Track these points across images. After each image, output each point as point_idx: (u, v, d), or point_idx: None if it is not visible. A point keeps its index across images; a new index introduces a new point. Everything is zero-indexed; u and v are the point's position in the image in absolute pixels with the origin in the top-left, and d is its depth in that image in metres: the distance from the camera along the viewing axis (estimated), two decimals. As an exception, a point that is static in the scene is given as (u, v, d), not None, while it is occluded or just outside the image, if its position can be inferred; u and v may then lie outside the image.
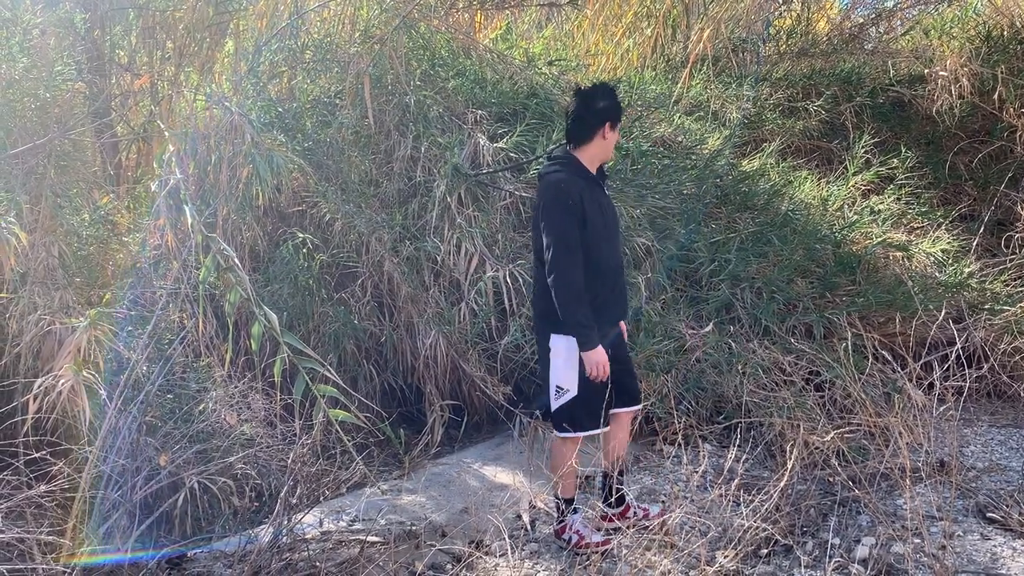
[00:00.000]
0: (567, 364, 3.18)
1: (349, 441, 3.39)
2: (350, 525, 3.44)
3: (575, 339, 3.12)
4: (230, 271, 3.70)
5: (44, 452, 2.70)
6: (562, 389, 3.21)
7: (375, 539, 3.27)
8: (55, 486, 2.61)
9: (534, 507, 3.72)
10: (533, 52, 6.31)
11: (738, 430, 3.78)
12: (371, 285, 4.84)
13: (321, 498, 3.16)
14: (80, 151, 4.73)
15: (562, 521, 3.38)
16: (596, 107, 3.18)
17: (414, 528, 3.45)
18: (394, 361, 4.73)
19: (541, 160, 5.06)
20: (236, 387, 3.92)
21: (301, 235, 4.82)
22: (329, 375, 3.31)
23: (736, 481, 3.22)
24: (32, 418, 2.87)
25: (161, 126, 4.61)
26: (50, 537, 2.37)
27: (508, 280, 4.55)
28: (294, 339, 3.39)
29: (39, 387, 2.95)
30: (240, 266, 3.74)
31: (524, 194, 4.99)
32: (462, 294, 4.67)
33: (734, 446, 3.52)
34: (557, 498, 3.39)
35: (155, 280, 4.49)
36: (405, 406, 4.78)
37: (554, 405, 3.25)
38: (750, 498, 3.08)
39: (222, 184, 4.43)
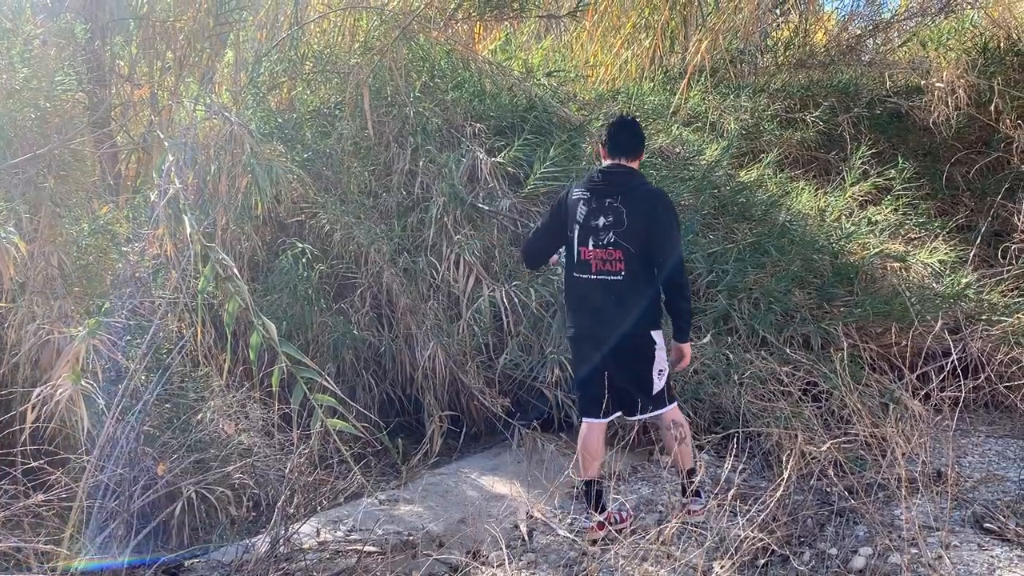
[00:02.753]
0: (664, 353, 3.54)
1: (347, 451, 3.40)
2: (347, 535, 3.44)
3: (681, 332, 3.55)
4: (229, 281, 3.71)
5: (42, 461, 2.71)
6: (663, 372, 3.55)
7: (372, 549, 3.27)
8: (52, 495, 2.62)
9: (531, 517, 3.72)
10: (532, 63, 6.34)
11: (735, 440, 3.78)
12: (370, 296, 4.85)
13: (318, 508, 3.16)
14: (80, 161, 4.73)
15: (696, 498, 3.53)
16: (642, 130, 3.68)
17: (411, 538, 3.45)
18: (393, 371, 4.74)
19: (558, 182, 5.08)
20: (234, 397, 3.93)
21: (300, 245, 4.84)
22: (327, 385, 3.32)
23: (733, 491, 3.22)
24: (30, 427, 2.88)
25: (161, 136, 4.62)
26: (47, 546, 2.37)
27: (505, 300, 4.55)
28: (292, 349, 3.40)
29: (37, 396, 2.96)
30: (239, 276, 3.75)
31: (519, 218, 4.99)
32: (460, 312, 4.68)
33: (731, 456, 3.52)
34: (690, 474, 3.55)
35: (154, 289, 4.51)
36: (403, 416, 4.78)
37: (658, 387, 3.53)
38: (747, 508, 3.09)
39: (221, 194, 4.44)
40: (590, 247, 3.42)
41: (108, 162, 5.34)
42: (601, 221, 3.41)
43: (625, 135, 3.55)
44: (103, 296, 4.12)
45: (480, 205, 4.95)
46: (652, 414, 3.59)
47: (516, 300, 4.57)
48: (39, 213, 3.81)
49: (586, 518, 3.52)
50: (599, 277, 3.42)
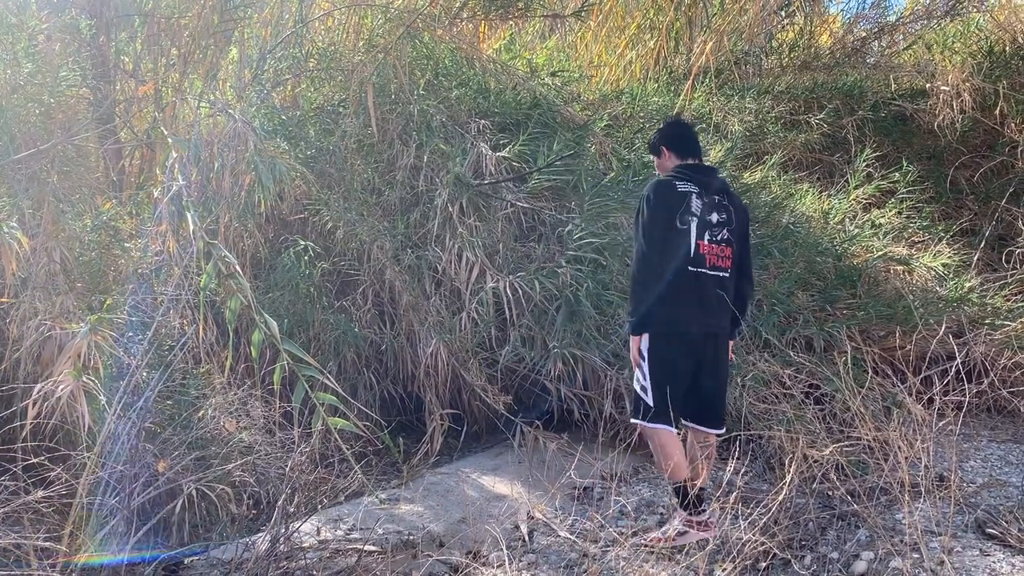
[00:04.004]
0: None
1: (348, 449, 3.39)
2: (347, 534, 3.43)
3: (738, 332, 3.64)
4: (231, 278, 3.70)
5: (43, 457, 2.70)
6: None
7: (373, 548, 3.26)
8: (53, 492, 2.61)
9: (532, 518, 3.72)
10: (536, 63, 6.33)
11: (737, 443, 3.77)
12: (372, 293, 4.84)
13: (319, 506, 3.15)
14: (84, 157, 4.74)
15: None
16: None
17: (412, 538, 3.44)
18: (394, 369, 4.73)
19: (543, 169, 5.08)
20: (235, 394, 3.92)
21: (303, 242, 4.83)
22: (328, 383, 3.31)
23: (735, 494, 3.21)
24: (31, 423, 2.88)
25: (165, 132, 4.62)
26: (47, 543, 2.37)
27: (508, 291, 4.55)
28: (294, 346, 3.40)
29: (39, 392, 2.95)
30: (241, 273, 3.74)
31: (525, 204, 5.00)
32: (463, 303, 4.67)
33: (733, 459, 3.51)
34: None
35: (156, 286, 4.50)
36: (405, 415, 4.78)
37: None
38: (748, 511, 3.08)
39: (224, 191, 4.44)
40: (706, 241, 3.45)
41: (112, 158, 5.33)
42: (715, 217, 3.48)
43: (693, 135, 3.72)
44: (105, 292, 4.12)
45: (483, 188, 4.93)
46: (723, 430, 3.60)
47: (520, 291, 4.56)
48: (42, 209, 3.80)
49: (679, 523, 3.40)
50: (713, 272, 3.45)
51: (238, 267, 3.79)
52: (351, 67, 5.35)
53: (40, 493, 2.51)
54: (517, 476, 4.10)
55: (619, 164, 5.50)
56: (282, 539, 2.93)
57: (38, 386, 2.98)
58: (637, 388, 3.44)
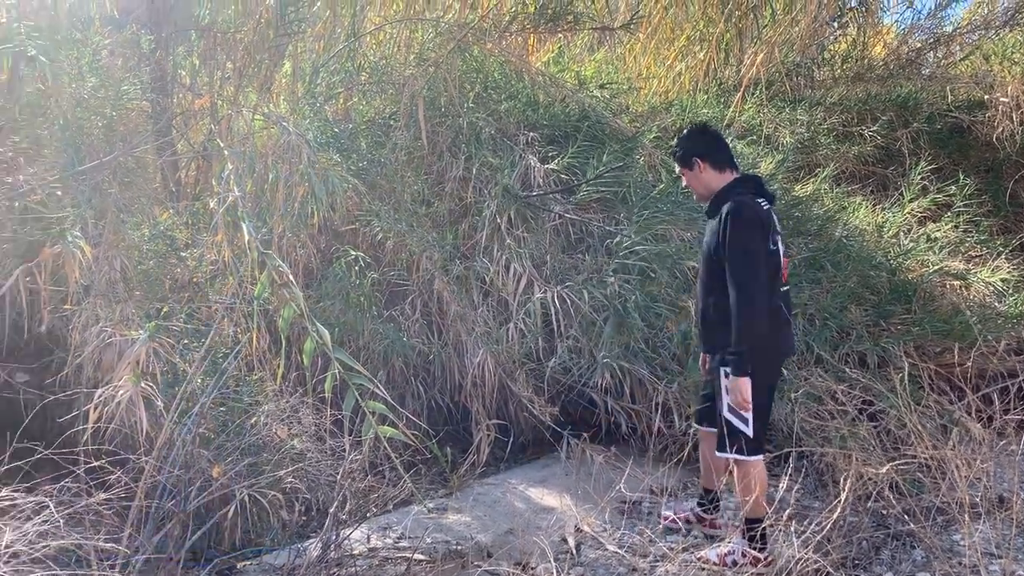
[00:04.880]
0: None
1: (397, 458, 3.42)
2: (396, 542, 3.45)
3: None
4: (285, 287, 3.76)
5: (103, 461, 2.76)
6: None
7: (421, 557, 3.27)
8: (113, 494, 2.67)
9: (580, 531, 3.70)
10: (585, 75, 6.34)
11: (789, 459, 3.72)
12: (420, 303, 4.88)
13: (369, 514, 3.17)
14: (142, 168, 4.86)
15: None
16: None
17: (460, 548, 3.45)
18: (442, 379, 4.75)
19: (592, 181, 5.08)
20: (287, 401, 3.98)
21: (353, 253, 4.89)
22: (378, 392, 3.34)
23: (787, 511, 3.16)
24: (92, 427, 2.95)
25: (221, 145, 4.73)
26: (108, 544, 2.42)
27: (556, 301, 4.55)
28: (345, 355, 3.43)
29: (99, 397, 3.03)
30: (294, 283, 3.81)
31: (573, 216, 5.00)
32: (510, 314, 4.69)
33: (785, 475, 3.47)
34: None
35: (211, 295, 4.60)
36: (452, 424, 4.79)
37: None
38: (801, 529, 3.03)
39: (278, 202, 4.51)
40: (785, 257, 3.41)
41: (169, 169, 5.47)
42: (780, 230, 3.44)
43: (725, 142, 3.59)
44: (162, 300, 4.22)
45: (531, 199, 4.94)
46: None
47: (568, 302, 4.56)
48: (104, 219, 3.91)
49: (743, 553, 3.32)
50: (787, 288, 3.41)
51: (291, 277, 3.86)
52: (402, 80, 5.42)
53: (101, 496, 2.57)
54: (565, 488, 4.09)
55: (668, 176, 5.48)
56: (333, 546, 2.97)
57: (99, 391, 3.06)
58: (734, 420, 3.25)
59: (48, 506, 2.29)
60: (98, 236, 3.83)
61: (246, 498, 3.32)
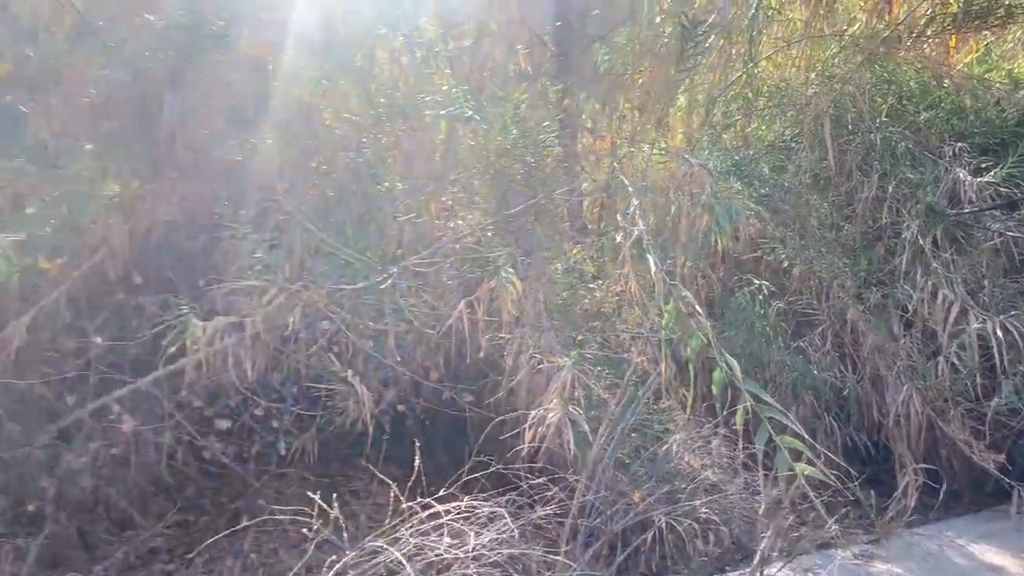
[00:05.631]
0: None
1: (816, 498, 3.23)
2: (823, 587, 3.26)
3: None
4: (691, 317, 3.79)
5: (545, 478, 2.99)
6: None
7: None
8: (549, 511, 2.88)
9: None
10: (1019, 74, 5.55)
11: None
12: (831, 334, 4.60)
13: (795, 554, 3.04)
14: (555, 207, 5.26)
15: None
16: None
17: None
18: (857, 416, 4.43)
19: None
20: (698, 432, 3.99)
21: (756, 282, 4.78)
22: (792, 426, 3.20)
23: None
24: (528, 446, 3.22)
25: (624, 181, 4.94)
26: (550, 556, 2.61)
27: (998, 332, 3.99)
28: (755, 387, 3.36)
29: (533, 419, 3.31)
30: (701, 313, 3.82)
31: (1016, 234, 4.37)
32: (939, 347, 4.21)
33: None
34: None
35: (618, 324, 4.80)
36: (871, 465, 4.43)
37: None
38: None
39: (680, 233, 4.58)
40: None
41: (575, 207, 5.85)
42: None
43: None
44: (575, 329, 4.50)
45: (962, 217, 4.41)
46: None
47: (1014, 334, 3.98)
48: (529, 256, 4.29)
49: None
50: None
51: (697, 307, 3.88)
52: (804, 100, 5.22)
53: (541, 511, 2.79)
54: (1018, 548, 3.54)
55: None
56: (757, 583, 2.89)
57: (532, 413, 3.34)
58: None
59: (504, 516, 2.53)
60: (525, 272, 4.21)
61: (663, 524, 3.38)
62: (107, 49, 4.03)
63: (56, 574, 3.41)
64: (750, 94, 5.55)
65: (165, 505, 3.94)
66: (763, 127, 5.62)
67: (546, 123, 5.44)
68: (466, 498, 2.72)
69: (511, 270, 3.82)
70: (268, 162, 4.73)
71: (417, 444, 3.05)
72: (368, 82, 4.98)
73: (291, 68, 4.56)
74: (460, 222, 4.75)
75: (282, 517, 2.75)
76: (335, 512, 2.66)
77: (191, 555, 3.47)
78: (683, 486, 3.61)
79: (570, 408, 3.35)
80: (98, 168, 4.28)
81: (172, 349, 3.54)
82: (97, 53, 4.07)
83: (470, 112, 4.72)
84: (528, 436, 3.25)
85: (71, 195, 4.32)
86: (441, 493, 2.76)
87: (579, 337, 4.38)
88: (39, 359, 3.80)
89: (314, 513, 2.65)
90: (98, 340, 3.79)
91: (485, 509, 2.63)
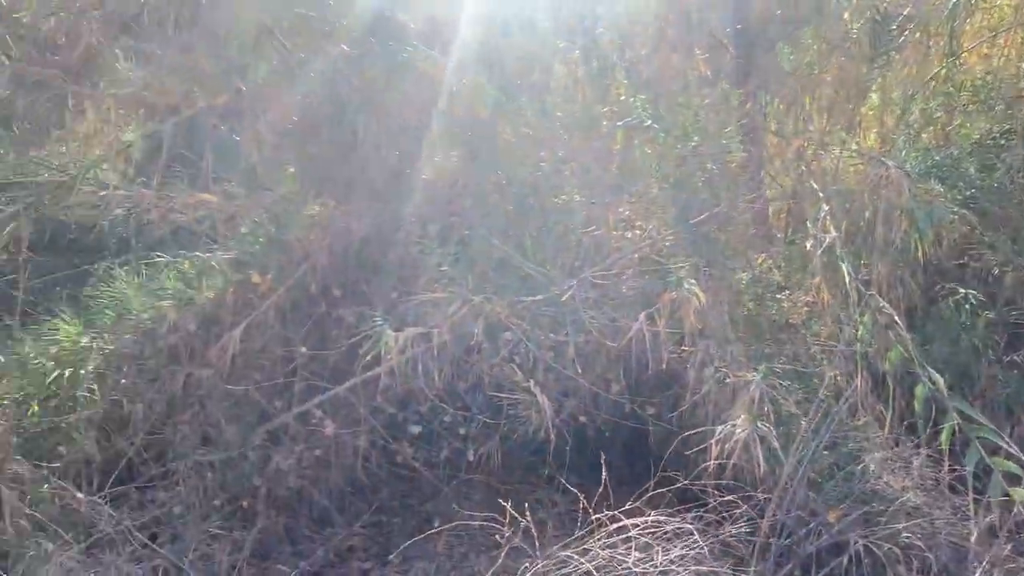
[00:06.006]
0: None
1: (1038, 528, 2.96)
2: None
3: None
4: (889, 329, 3.59)
5: (732, 496, 2.92)
6: None
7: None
8: (739, 528, 2.80)
9: None
10: None
11: None
12: (1056, 348, 4.19)
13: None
14: (739, 214, 5.11)
15: None
16: None
17: None
18: (1084, 437, 3.99)
19: None
20: (897, 450, 3.75)
21: (962, 290, 4.44)
22: (1008, 447, 2.96)
23: None
24: (714, 462, 3.15)
25: (814, 185, 4.73)
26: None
27: None
28: (963, 403, 3.14)
29: (719, 434, 3.23)
30: (900, 324, 3.60)
31: None
32: None
33: None
34: None
35: (807, 336, 4.60)
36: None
37: None
38: None
39: (876, 240, 4.33)
40: None
41: (760, 214, 5.66)
42: None
43: None
44: (762, 341, 4.35)
45: None
46: None
47: None
48: (712, 266, 4.20)
49: None
50: None
51: (896, 318, 3.66)
52: (1015, 93, 4.80)
53: (731, 529, 2.72)
54: None
55: None
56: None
57: (718, 429, 3.26)
58: None
59: (692, 533, 2.50)
60: (707, 282, 4.12)
61: (860, 548, 3.20)
62: (308, 79, 4.34)
63: (266, 565, 3.69)
64: (951, 89, 5.16)
65: (360, 505, 4.18)
66: (967, 124, 5.21)
67: (728, 128, 5.32)
68: (652, 512, 2.69)
69: (693, 281, 3.75)
70: (452, 179, 4.92)
71: (603, 456, 3.07)
72: (545, 95, 5.07)
73: (471, 87, 4.72)
74: (638, 232, 4.72)
75: (473, 522, 2.84)
76: (526, 520, 2.71)
77: (386, 555, 3.66)
78: (882, 508, 3.40)
79: (759, 424, 3.25)
80: (301, 189, 4.63)
81: (368, 358, 3.75)
82: (298, 83, 4.40)
83: (648, 121, 4.70)
84: (714, 452, 3.18)
85: (277, 214, 4.70)
86: (628, 506, 2.75)
87: (767, 350, 4.24)
88: (251, 366, 4.14)
89: (506, 520, 2.72)
90: (303, 349, 4.08)
91: (672, 524, 2.60)
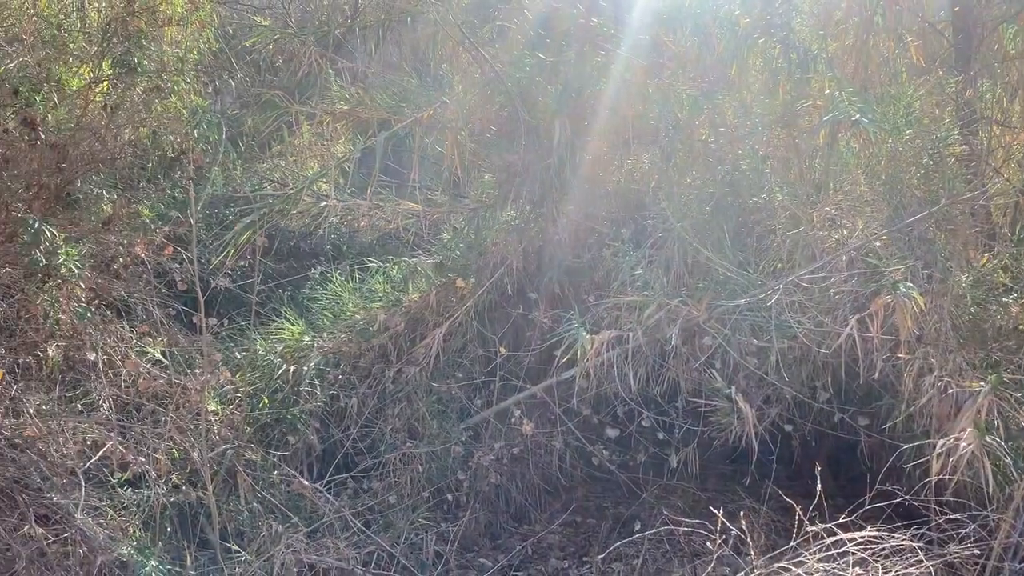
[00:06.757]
0: None
1: None
2: None
3: None
4: None
5: (959, 514, 2.70)
6: None
7: None
8: (965, 548, 2.59)
9: None
10: None
11: None
12: None
13: None
14: (959, 212, 4.71)
15: None
16: None
17: None
18: None
19: None
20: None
21: None
22: None
23: None
24: (936, 477, 2.93)
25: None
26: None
27: None
28: None
29: (941, 448, 2.99)
30: None
31: None
32: None
33: None
34: None
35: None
36: None
37: None
38: None
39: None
40: None
41: (983, 211, 5.19)
42: None
43: None
44: (987, 349, 3.99)
45: None
46: None
47: None
48: (930, 267, 3.90)
49: None
50: None
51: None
52: None
53: (956, 548, 2.52)
54: None
55: None
56: None
57: (940, 441, 3.02)
58: None
59: (916, 550, 2.33)
60: (925, 286, 3.83)
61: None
62: (506, 88, 4.45)
63: (468, 558, 3.83)
64: None
65: (555, 504, 4.24)
66: None
67: (945, 120, 4.92)
68: (869, 527, 2.54)
69: (910, 284, 3.50)
70: (645, 181, 4.88)
71: (816, 466, 2.93)
72: (743, 92, 4.91)
73: (668, 88, 4.65)
74: (846, 232, 4.47)
75: (677, 528, 2.80)
76: (736, 529, 2.64)
77: (583, 555, 3.69)
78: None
79: (987, 438, 2.99)
80: (498, 195, 4.77)
81: (564, 359, 3.79)
82: (499, 93, 4.53)
83: (856, 115, 4.44)
84: (935, 466, 2.96)
85: (475, 220, 4.87)
86: (843, 519, 2.61)
87: (993, 357, 3.89)
88: (453, 365, 4.31)
89: (716, 528, 2.65)
90: (501, 349, 4.20)
91: (891, 541, 2.44)
